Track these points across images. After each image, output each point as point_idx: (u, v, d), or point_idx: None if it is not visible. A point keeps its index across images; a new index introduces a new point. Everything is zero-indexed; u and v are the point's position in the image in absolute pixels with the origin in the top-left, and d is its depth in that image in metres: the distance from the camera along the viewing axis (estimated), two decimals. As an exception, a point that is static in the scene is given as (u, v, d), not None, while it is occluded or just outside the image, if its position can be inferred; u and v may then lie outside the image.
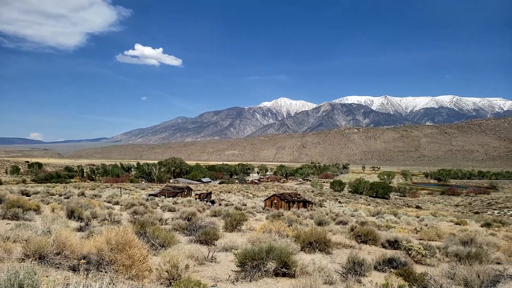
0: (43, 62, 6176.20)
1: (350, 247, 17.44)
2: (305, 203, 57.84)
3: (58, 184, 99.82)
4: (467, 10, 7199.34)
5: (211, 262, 12.27)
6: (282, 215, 31.71)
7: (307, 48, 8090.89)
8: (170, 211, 31.11)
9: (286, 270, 10.77)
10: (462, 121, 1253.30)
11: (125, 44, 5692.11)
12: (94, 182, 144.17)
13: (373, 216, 45.67)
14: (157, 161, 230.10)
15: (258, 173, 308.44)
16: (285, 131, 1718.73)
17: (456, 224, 39.75)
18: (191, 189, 76.46)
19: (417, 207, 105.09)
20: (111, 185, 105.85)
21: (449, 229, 30.57)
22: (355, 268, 11.39)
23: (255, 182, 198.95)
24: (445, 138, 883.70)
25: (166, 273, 8.93)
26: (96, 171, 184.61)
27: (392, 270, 12.00)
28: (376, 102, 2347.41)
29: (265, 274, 10.63)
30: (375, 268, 12.73)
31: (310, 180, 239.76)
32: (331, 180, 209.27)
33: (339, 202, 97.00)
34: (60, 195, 44.87)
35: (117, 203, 36.87)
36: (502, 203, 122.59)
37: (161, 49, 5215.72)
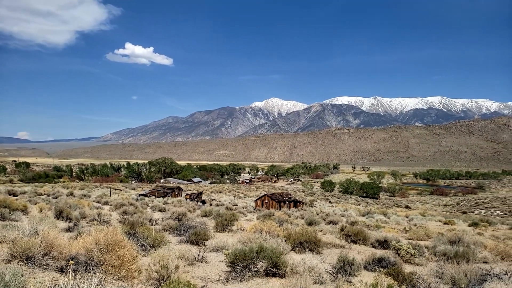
0: (31, 60, 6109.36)
1: (340, 247, 17.52)
2: (296, 203, 57.95)
3: (46, 184, 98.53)
4: (455, 12, 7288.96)
5: (202, 262, 12.21)
6: (273, 215, 31.74)
7: (298, 48, 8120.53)
8: (160, 211, 30.93)
9: (276, 270, 10.77)
10: (450, 122, 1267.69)
11: (116, 43, 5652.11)
12: (83, 182, 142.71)
13: (363, 216, 45.97)
14: (147, 161, 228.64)
15: (249, 173, 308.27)
16: (276, 131, 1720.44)
17: (444, 223, 40.20)
18: (182, 189, 76.13)
19: (407, 207, 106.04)
20: (101, 185, 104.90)
21: (437, 229, 30.89)
22: (345, 267, 11.44)
23: (246, 182, 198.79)
24: (434, 139, 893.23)
25: (156, 274, 8.86)
26: (85, 171, 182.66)
27: (382, 269, 12.07)
28: (366, 103, 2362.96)
29: (255, 274, 10.62)
30: (365, 267, 12.80)
31: (301, 180, 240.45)
32: (322, 180, 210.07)
33: (330, 202, 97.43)
34: (48, 195, 44.38)
35: (106, 203, 36.58)
36: (489, 203, 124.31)
37: (152, 48, 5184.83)
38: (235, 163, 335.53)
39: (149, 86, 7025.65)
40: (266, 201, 55.30)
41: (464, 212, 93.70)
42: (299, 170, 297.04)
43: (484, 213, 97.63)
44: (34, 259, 8.74)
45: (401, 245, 15.82)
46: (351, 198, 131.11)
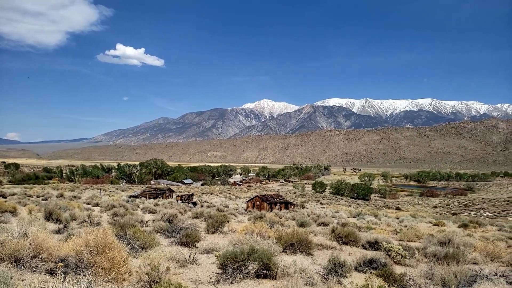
0: (21, 60, 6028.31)
1: (331, 248, 17.58)
2: (287, 205, 58.02)
3: (36, 185, 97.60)
4: (445, 15, 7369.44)
5: (193, 264, 12.18)
6: (264, 216, 31.75)
7: (289, 50, 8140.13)
8: (151, 213, 30.78)
9: (267, 271, 10.77)
10: (440, 123, 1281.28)
11: (107, 44, 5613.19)
12: (74, 183, 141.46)
13: (354, 217, 46.15)
14: (138, 162, 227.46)
15: (240, 174, 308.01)
16: (268, 132, 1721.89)
17: (435, 225, 40.53)
18: (173, 191, 75.85)
19: (397, 208, 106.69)
20: (91, 186, 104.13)
21: (427, 230, 31.13)
22: (336, 269, 11.48)
23: (237, 183, 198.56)
24: (424, 141, 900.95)
25: (146, 276, 8.81)
26: (75, 172, 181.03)
27: (373, 271, 12.15)
28: (357, 104, 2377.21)
29: (246, 276, 10.61)
30: (356, 269, 12.86)
31: (292, 182, 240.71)
32: (313, 182, 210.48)
33: (321, 203, 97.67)
34: (38, 197, 43.95)
35: (97, 204, 36.28)
36: (478, 204, 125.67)
37: (143, 49, 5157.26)
38: (227, 164, 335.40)
39: (140, 87, 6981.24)
40: (257, 202, 55.29)
41: (454, 214, 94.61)
42: (290, 172, 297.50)
43: (474, 214, 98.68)
44: (23, 261, 8.64)
45: (391, 247, 15.92)
46: (342, 199, 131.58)
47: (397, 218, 46.38)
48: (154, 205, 37.46)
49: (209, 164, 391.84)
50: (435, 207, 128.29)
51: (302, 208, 63.71)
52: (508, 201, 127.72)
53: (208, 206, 47.05)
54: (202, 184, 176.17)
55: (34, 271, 8.59)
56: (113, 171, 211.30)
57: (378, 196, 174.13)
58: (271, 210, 49.78)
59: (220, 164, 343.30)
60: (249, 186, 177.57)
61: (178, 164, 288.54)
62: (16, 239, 10.12)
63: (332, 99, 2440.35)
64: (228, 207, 48.64)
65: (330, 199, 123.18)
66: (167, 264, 9.29)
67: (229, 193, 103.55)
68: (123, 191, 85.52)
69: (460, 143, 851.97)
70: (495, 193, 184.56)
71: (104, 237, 8.92)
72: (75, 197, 47.15)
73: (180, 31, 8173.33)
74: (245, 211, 46.75)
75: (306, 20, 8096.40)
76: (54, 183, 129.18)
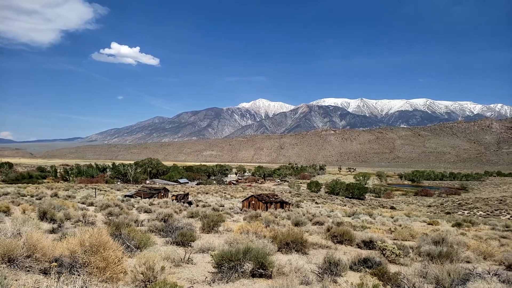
0: (14, 58, 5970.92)
1: (327, 247, 17.61)
2: (283, 204, 58.09)
3: (30, 184, 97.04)
4: (438, 16, 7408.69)
5: (188, 263, 12.15)
6: (260, 216, 31.74)
7: (285, 50, 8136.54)
8: (146, 213, 30.67)
9: (263, 271, 10.78)
10: (435, 123, 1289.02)
11: (101, 43, 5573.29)
12: (68, 182, 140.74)
13: (349, 216, 46.28)
14: (133, 162, 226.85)
15: (236, 174, 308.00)
16: (263, 132, 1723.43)
17: (429, 224, 40.72)
18: (168, 190, 75.68)
19: (392, 207, 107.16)
20: (86, 185, 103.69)
21: (422, 229, 31.28)
22: (331, 268, 11.51)
23: (233, 183, 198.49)
24: (419, 140, 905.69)
25: (142, 275, 8.79)
26: (70, 172, 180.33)
27: (367, 269, 12.19)
28: (352, 104, 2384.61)
29: (242, 275, 10.61)
30: (351, 268, 12.89)
31: (288, 181, 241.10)
32: (308, 181, 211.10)
33: (316, 202, 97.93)
34: (32, 196, 43.66)
35: (91, 204, 36.12)
36: (471, 203, 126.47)
37: (138, 48, 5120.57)
38: (222, 164, 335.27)
39: (135, 86, 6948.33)
40: (253, 202, 55.31)
41: (448, 213, 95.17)
42: (285, 171, 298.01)
43: (467, 213, 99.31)
44: (17, 261, 8.59)
45: (386, 246, 15.98)
46: (337, 199, 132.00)
47: (392, 217, 46.54)
48: (149, 205, 37.36)
49: (205, 163, 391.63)
50: (429, 206, 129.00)
51: (298, 207, 63.81)
52: (501, 200, 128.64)
53: (204, 206, 46.99)
54: (197, 184, 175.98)
55: (28, 271, 8.54)
56: (108, 170, 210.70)
57: (373, 196, 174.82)
58: (267, 210, 49.80)
59: (216, 163, 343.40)
60: (245, 185, 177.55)
61: (174, 164, 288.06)
62: (9, 238, 10.06)
63: (327, 99, 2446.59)
64: (223, 206, 48.59)
65: (325, 199, 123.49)
66: (162, 264, 9.27)
67: (225, 193, 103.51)
68: (118, 190, 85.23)
69: (454, 143, 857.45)
70: (488, 193, 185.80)
71: (99, 237, 8.89)
72: (69, 196, 46.93)
73: (176, 30, 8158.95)
74: (241, 210, 46.72)
75: (301, 21, 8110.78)
76: (48, 182, 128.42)
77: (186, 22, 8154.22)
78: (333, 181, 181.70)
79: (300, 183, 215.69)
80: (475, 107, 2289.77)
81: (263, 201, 55.11)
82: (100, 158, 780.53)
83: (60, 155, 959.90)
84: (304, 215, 38.19)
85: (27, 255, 8.76)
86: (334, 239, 19.41)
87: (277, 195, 64.88)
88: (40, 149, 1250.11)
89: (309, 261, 13.87)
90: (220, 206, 47.43)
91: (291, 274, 10.60)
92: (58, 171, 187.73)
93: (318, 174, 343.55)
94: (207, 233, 20.16)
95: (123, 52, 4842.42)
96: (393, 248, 15.68)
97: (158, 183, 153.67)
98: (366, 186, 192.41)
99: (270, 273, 10.78)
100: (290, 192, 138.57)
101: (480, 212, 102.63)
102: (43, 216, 19.47)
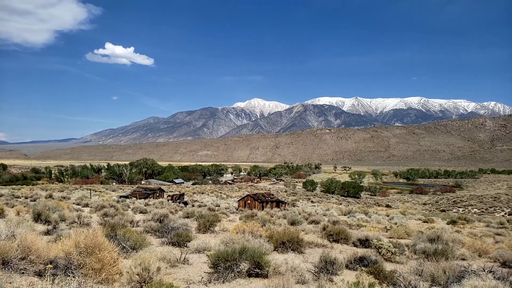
0: (7, 59, 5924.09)
1: (323, 246, 17.63)
2: (278, 203, 58.12)
3: (24, 186, 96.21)
4: (432, 15, 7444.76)
5: (184, 264, 12.12)
6: (256, 215, 31.72)
7: (279, 49, 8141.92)
8: (142, 213, 30.55)
9: (259, 270, 10.77)
10: (429, 122, 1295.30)
11: (95, 43, 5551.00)
12: (63, 183, 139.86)
13: (345, 215, 46.37)
14: (128, 162, 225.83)
15: (232, 173, 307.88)
16: (259, 131, 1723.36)
17: (424, 222, 40.96)
18: (163, 191, 75.44)
19: (387, 206, 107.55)
20: (81, 186, 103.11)
21: (417, 227, 31.42)
22: (327, 267, 11.52)
23: (228, 182, 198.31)
24: (414, 139, 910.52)
25: (137, 276, 8.75)
26: (64, 173, 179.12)
27: (363, 268, 12.22)
28: (347, 103, 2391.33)
29: (238, 275, 10.60)
30: (347, 266, 12.91)
31: (283, 180, 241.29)
32: (304, 180, 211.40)
33: (312, 201, 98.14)
34: (26, 198, 43.40)
35: (86, 205, 35.93)
36: (466, 201, 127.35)
37: (132, 48, 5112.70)
38: (218, 163, 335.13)
39: (129, 86, 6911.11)
40: (249, 201, 55.28)
41: (443, 210, 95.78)
42: (281, 170, 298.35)
43: (462, 211, 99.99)
44: (11, 263, 8.52)
45: (382, 244, 16.03)
46: (332, 197, 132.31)
47: (387, 216, 46.72)
48: (145, 205, 37.22)
49: (200, 163, 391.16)
50: (425, 204, 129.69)
51: (293, 206, 63.85)
52: (495, 197, 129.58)
53: (199, 206, 46.86)
54: (193, 184, 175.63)
55: (23, 273, 8.48)
56: (103, 171, 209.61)
57: (368, 194, 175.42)
58: (263, 209, 49.80)
59: (211, 163, 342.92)
60: (241, 185, 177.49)
61: (169, 164, 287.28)
62: (3, 241, 9.98)
63: (322, 98, 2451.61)
64: (219, 206, 48.52)
65: (321, 197, 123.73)
66: (158, 264, 9.23)
67: (220, 192, 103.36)
68: (113, 191, 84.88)
69: (448, 140, 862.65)
70: (482, 190, 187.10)
71: (94, 238, 8.84)
72: (64, 197, 46.65)
73: (170, 30, 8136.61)
74: (237, 210, 46.68)
75: (296, 20, 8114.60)
76: (43, 183, 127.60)
77: (180, 22, 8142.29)
78: (329, 180, 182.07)
79: (296, 182, 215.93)
80: (469, 105, 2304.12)
81: (259, 201, 55.10)
82: (95, 158, 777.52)
83: (55, 156, 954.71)
84: (300, 214, 38.22)
85: (22, 257, 8.69)
86: (330, 238, 19.44)
87: (273, 195, 64.89)
88: (35, 150, 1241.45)
89: (305, 260, 13.89)
90: (216, 206, 47.34)
91: (287, 273, 10.61)
92: (52, 172, 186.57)
93: (313, 173, 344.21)
94: (203, 233, 20.12)
95: (118, 52, 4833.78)
96: (389, 246, 15.73)
97: (154, 183, 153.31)
98: (362, 184, 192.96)
99: (266, 272, 10.77)
100: (285, 191, 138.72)
101: (475, 210, 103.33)
102: (37, 217, 19.35)
